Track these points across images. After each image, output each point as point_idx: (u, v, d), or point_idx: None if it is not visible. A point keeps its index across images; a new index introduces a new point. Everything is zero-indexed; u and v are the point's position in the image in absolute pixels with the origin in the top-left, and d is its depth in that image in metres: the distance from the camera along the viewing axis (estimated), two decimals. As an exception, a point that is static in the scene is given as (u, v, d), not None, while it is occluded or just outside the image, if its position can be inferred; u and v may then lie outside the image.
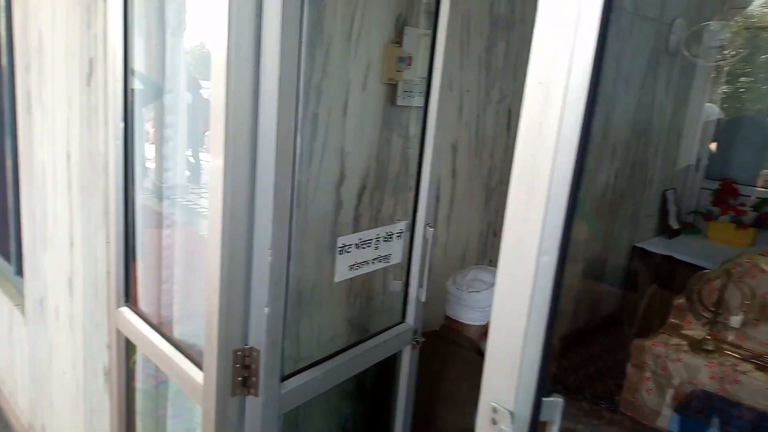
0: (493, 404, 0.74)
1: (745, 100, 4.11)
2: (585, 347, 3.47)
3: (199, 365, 1.25)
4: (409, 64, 1.92)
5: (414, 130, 2.01)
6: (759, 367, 2.48)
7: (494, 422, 0.74)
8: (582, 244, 3.37)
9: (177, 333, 1.87)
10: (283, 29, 1.01)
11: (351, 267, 1.45)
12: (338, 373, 1.38)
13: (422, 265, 1.55)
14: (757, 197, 3.73)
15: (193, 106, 2.11)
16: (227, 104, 1.01)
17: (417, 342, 1.61)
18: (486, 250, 2.66)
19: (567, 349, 3.39)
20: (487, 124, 2.48)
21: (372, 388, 2.11)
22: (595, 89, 0.66)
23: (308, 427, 1.96)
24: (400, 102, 1.93)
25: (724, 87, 4.08)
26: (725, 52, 3.46)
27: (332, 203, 1.82)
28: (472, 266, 1.92)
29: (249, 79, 1.03)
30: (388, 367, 1.64)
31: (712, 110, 3.97)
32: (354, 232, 1.44)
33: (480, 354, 1.84)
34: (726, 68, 3.91)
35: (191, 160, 2.21)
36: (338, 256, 1.40)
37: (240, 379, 1.14)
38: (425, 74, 1.54)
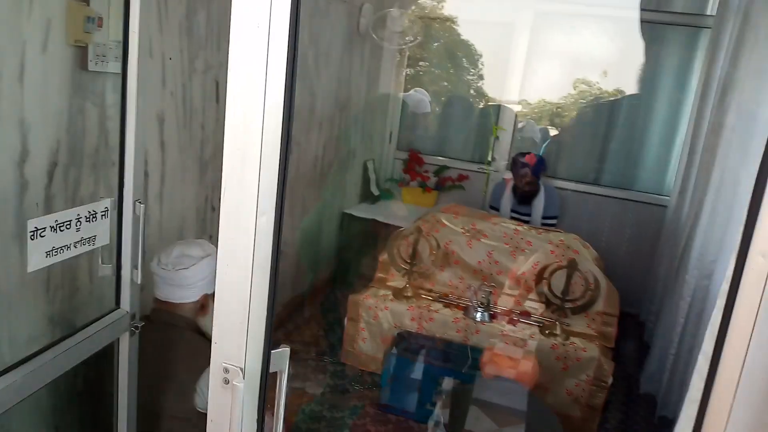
0: (224, 364, 0.74)
1: (423, 82, 4.78)
2: (308, 309, 3.68)
3: None
4: (100, 25, 1.72)
5: (112, 98, 1.82)
6: (446, 305, 2.98)
7: (226, 381, 0.74)
8: (299, 213, 3.54)
9: None
10: None
11: (48, 254, 1.26)
12: (43, 375, 1.21)
13: (135, 245, 1.44)
14: (436, 165, 4.42)
15: None
16: None
17: (136, 328, 1.50)
18: (205, 227, 2.59)
19: (291, 314, 3.55)
20: (194, 95, 2.39)
21: (90, 383, 1.90)
22: (293, 62, 0.69)
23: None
24: (92, 67, 1.73)
25: (407, 69, 4.67)
26: (407, 38, 3.97)
27: (14, 183, 1.55)
28: (176, 242, 1.82)
29: None
30: (106, 358, 1.49)
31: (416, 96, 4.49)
32: (47, 214, 1.25)
33: (198, 331, 1.79)
34: (407, 53, 4.49)
35: None
36: (30, 242, 1.21)
37: None
38: (120, 37, 1.40)
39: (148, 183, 2.15)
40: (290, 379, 0.81)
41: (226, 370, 0.74)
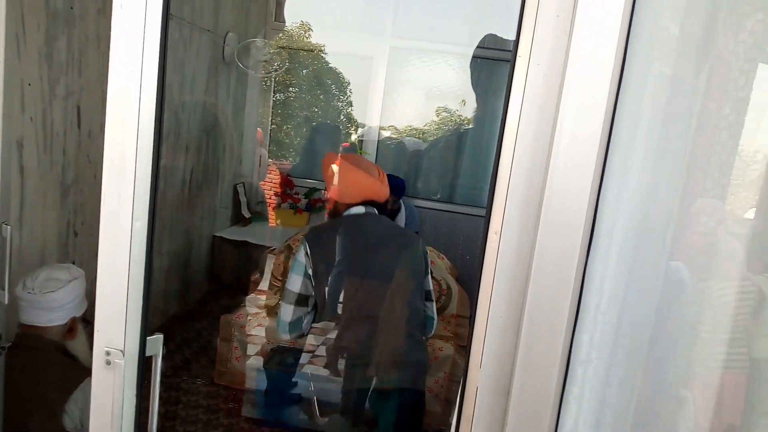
0: (106, 348, 0.87)
1: (294, 107, 4.98)
2: (181, 333, 3.66)
3: None
4: (-45, 51, 1.72)
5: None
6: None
7: (108, 363, 0.87)
8: (167, 237, 3.54)
9: None
10: None
11: None
12: None
13: (1, 266, 1.47)
14: (306, 187, 4.62)
15: None
16: None
17: (2, 348, 1.52)
18: (68, 251, 2.56)
19: (165, 338, 3.52)
20: (56, 120, 2.39)
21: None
22: (162, 89, 0.86)
23: None
24: (-54, 92, 1.72)
25: (276, 95, 4.85)
26: (272, 66, 4.16)
27: None
28: (43, 267, 1.84)
29: None
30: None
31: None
32: None
33: (66, 354, 1.80)
34: (275, 79, 4.68)
35: None
36: None
37: None
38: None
39: (10, 208, 2.12)
40: (161, 403, 0.95)
41: (108, 353, 0.87)
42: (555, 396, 0.77)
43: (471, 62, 4.49)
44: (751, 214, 0.90)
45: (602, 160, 0.75)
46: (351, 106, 5.12)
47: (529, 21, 0.75)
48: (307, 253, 1.98)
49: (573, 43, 0.72)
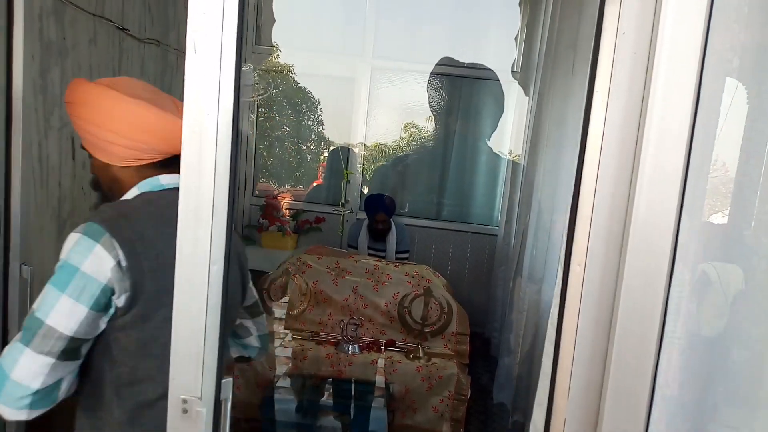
0: (182, 397, 0.85)
1: (266, 127, 4.97)
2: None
3: None
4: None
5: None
6: (318, 342, 3.13)
7: (185, 411, 0.85)
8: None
9: None
10: None
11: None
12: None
13: (23, 307, 1.42)
14: (294, 209, 4.60)
15: None
16: None
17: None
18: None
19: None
20: (51, 152, 2.34)
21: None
22: (237, 133, 0.86)
23: None
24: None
25: (260, 118, 4.85)
26: (260, 91, 4.15)
27: None
28: None
29: None
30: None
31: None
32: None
33: None
34: (258, 102, 4.67)
35: None
36: None
37: None
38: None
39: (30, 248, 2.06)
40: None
41: (185, 401, 0.86)
42: (644, 424, 0.79)
43: (427, 85, 4.63)
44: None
45: (682, 193, 0.77)
46: (322, 125, 5.14)
47: (607, 58, 0.78)
48: (119, 262, 1.07)
49: (653, 77, 0.75)
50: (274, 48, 4.57)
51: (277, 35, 4.57)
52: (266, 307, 3.16)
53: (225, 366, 0.88)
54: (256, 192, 4.78)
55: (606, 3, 0.80)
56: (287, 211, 4.61)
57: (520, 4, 4.49)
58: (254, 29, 4.49)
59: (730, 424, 0.86)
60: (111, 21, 2.76)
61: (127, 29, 2.91)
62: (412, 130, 4.93)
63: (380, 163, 4.91)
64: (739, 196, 0.85)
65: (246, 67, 3.90)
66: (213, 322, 0.86)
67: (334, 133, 4.99)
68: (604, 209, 0.78)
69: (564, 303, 0.83)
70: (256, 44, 4.51)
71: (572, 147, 2.89)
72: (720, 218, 0.84)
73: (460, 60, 4.55)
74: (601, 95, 0.78)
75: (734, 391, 0.89)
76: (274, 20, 4.54)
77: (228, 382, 0.92)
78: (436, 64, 4.55)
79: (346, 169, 4.62)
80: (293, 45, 4.73)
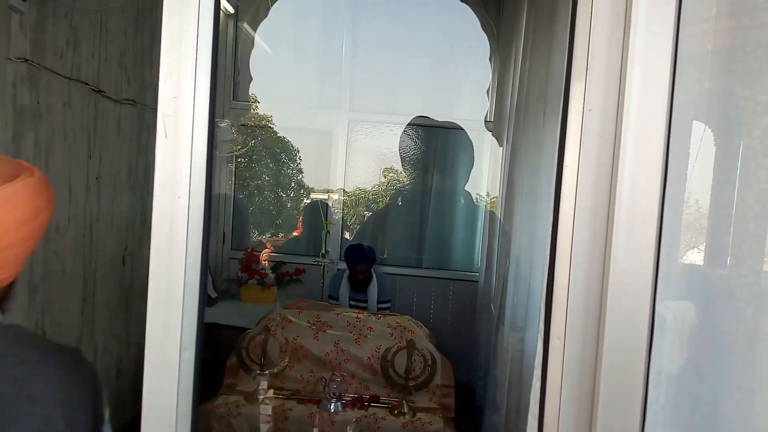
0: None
1: (245, 177, 4.98)
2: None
3: None
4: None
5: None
6: (300, 401, 3.04)
7: None
8: (134, 325, 3.38)
9: None
10: None
11: None
12: None
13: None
14: (273, 261, 4.55)
15: None
16: None
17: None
18: (36, 356, 2.40)
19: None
20: (24, 219, 2.29)
21: None
22: (208, 215, 0.85)
23: None
24: None
25: (228, 165, 4.86)
26: (238, 146, 4.17)
27: None
28: None
29: None
30: None
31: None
32: None
33: None
34: (238, 156, 4.69)
35: None
36: None
37: None
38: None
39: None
40: None
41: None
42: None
43: (402, 136, 4.72)
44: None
45: (656, 268, 0.78)
46: (301, 173, 5.18)
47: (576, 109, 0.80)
48: None
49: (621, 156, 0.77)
50: (252, 101, 4.62)
51: (255, 88, 4.64)
52: (245, 366, 3.08)
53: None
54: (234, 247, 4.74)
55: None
56: (266, 262, 4.56)
57: (490, 59, 4.63)
58: (231, 86, 4.54)
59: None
60: (87, 84, 2.77)
61: (102, 91, 2.92)
62: (391, 175, 4.99)
63: (361, 211, 4.94)
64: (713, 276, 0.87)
65: (224, 124, 3.92)
66: (185, 411, 0.83)
67: (314, 180, 5.03)
68: (581, 286, 0.78)
69: (545, 378, 0.83)
70: (233, 100, 4.55)
71: (546, 196, 2.93)
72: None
73: (434, 117, 4.65)
74: (571, 169, 0.80)
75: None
76: (251, 78, 4.61)
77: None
78: (411, 119, 4.64)
79: (326, 219, 4.61)
80: (271, 99, 4.80)
